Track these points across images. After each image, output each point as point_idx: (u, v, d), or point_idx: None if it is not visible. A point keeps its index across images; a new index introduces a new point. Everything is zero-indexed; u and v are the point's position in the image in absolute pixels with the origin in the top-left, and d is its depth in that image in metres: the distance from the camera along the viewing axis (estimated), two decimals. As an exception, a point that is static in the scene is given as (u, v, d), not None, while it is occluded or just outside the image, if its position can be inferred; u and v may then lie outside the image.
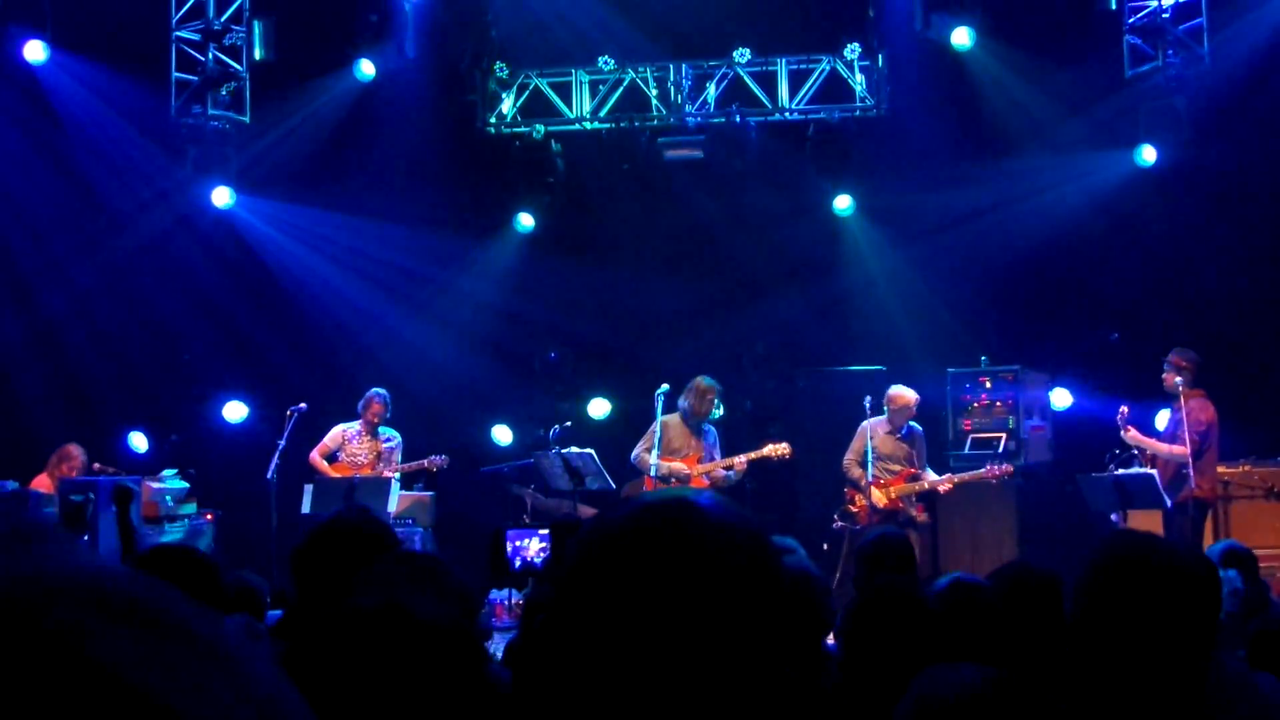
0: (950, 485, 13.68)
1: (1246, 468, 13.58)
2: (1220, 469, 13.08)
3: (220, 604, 4.17)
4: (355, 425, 14.24)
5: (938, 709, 2.72)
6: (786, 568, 5.03)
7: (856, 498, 13.62)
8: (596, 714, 1.67)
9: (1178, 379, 12.52)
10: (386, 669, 2.10)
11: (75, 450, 14.05)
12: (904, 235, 15.98)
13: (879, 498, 13.46)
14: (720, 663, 1.66)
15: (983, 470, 13.69)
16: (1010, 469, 13.76)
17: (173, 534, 13.43)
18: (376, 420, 14.19)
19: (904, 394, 13.68)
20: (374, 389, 14.24)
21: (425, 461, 14.19)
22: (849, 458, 13.74)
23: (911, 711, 2.76)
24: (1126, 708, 3.09)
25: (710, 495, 1.82)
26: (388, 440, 14.25)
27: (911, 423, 13.77)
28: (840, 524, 13.73)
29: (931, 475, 13.71)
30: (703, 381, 13.76)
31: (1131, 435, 12.70)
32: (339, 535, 4.34)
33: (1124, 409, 12.82)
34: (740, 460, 13.67)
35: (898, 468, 13.65)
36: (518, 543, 12.19)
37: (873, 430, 13.68)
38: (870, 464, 13.55)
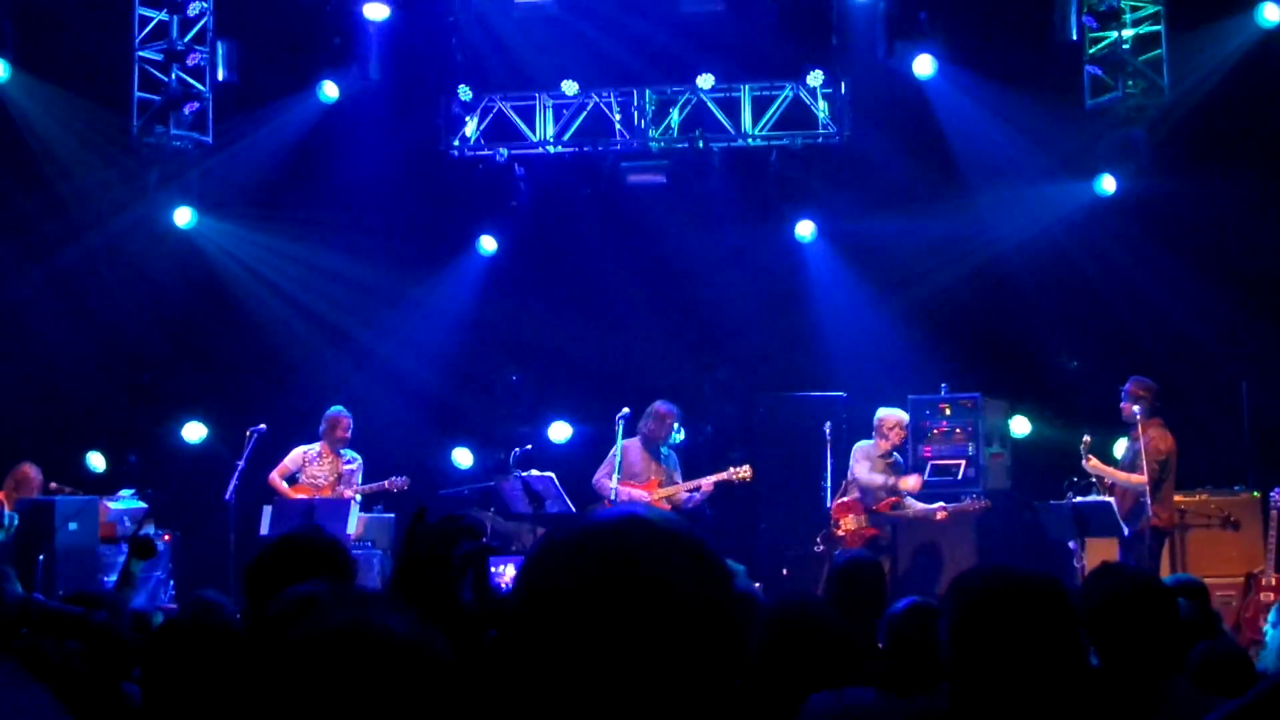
0: (945, 515, 13.64)
1: (1204, 497, 13.66)
2: (1178, 498, 13.14)
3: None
4: (316, 446, 14.16)
5: None
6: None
7: (844, 520, 13.59)
8: None
9: (1136, 408, 12.57)
10: (354, 689, 2.08)
11: (31, 471, 13.94)
12: (865, 261, 16.06)
13: (865, 523, 13.50)
14: (674, 672, 1.69)
15: (965, 503, 13.70)
16: (988, 504, 13.76)
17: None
18: (338, 442, 14.12)
19: (899, 416, 13.73)
20: (336, 410, 14.16)
21: (386, 482, 14.13)
22: (848, 480, 13.76)
23: None
24: None
25: (655, 510, 1.85)
26: (348, 462, 14.17)
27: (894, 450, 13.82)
28: (822, 547, 13.71)
29: (917, 504, 13.72)
30: (661, 406, 13.78)
31: (1092, 464, 12.76)
32: (291, 553, 4.33)
33: (1087, 438, 12.88)
34: (706, 482, 13.69)
35: (884, 494, 13.66)
36: (494, 568, 12.12)
37: (866, 453, 13.72)
38: (848, 487, 13.62)
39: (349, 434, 14.10)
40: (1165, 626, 4.47)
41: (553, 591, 1.74)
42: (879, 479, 13.64)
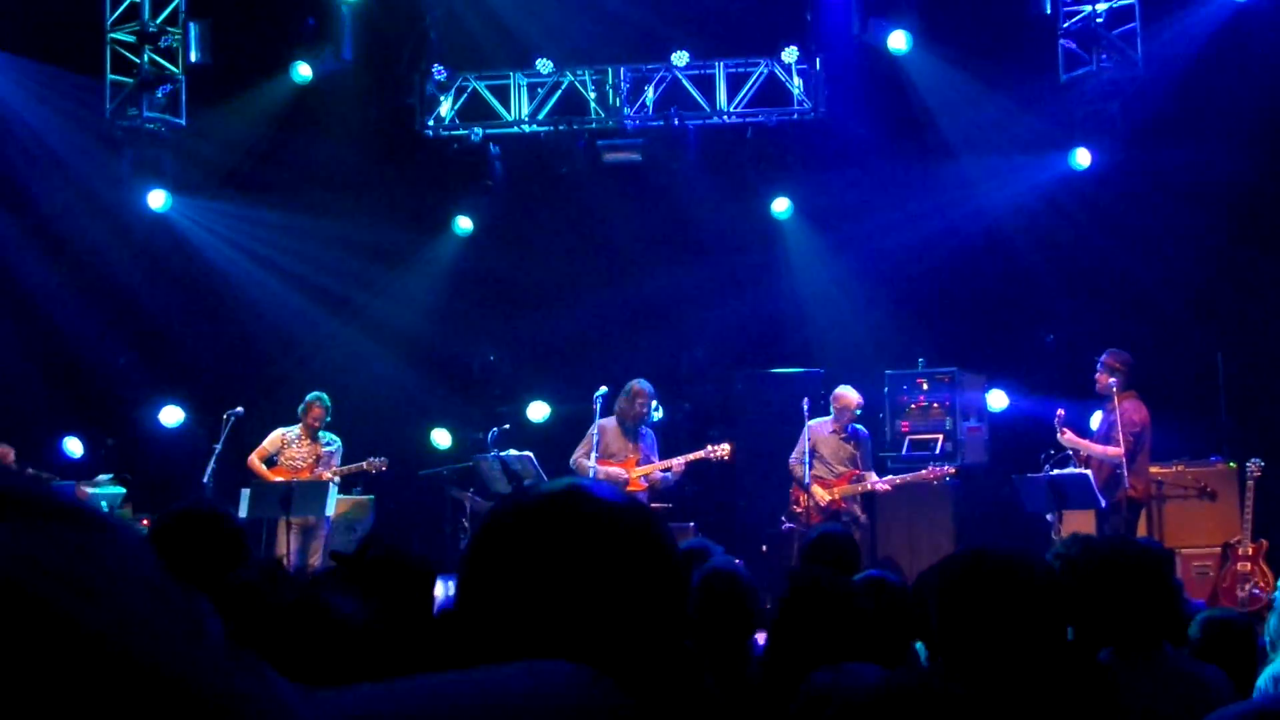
0: (889, 487, 13.76)
1: (1180, 468, 13.72)
2: (1154, 469, 13.20)
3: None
4: (295, 429, 14.13)
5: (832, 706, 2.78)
6: (714, 566, 5.06)
7: (801, 497, 13.65)
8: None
9: (1111, 380, 12.62)
10: (306, 666, 2.11)
11: (5, 449, 13.84)
12: (841, 237, 16.06)
13: (821, 496, 13.49)
14: (612, 624, 1.74)
15: (924, 471, 13.77)
16: (952, 470, 13.83)
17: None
18: (317, 425, 14.08)
19: (847, 394, 13.74)
20: (314, 393, 14.12)
21: (365, 463, 14.11)
22: (794, 456, 13.79)
23: (803, 710, 2.83)
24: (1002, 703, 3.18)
25: (599, 482, 1.93)
26: (328, 445, 14.14)
27: (857, 425, 13.82)
28: (788, 525, 13.77)
29: (874, 476, 13.76)
30: (637, 385, 13.77)
31: (1068, 437, 12.79)
32: (183, 527, 4.27)
33: (1061, 411, 12.92)
34: (678, 462, 13.69)
35: (842, 469, 13.69)
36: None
37: (817, 430, 13.74)
38: (812, 463, 13.61)
39: (319, 423, 14.07)
40: (1138, 595, 4.48)
41: (499, 561, 1.79)
42: (798, 470, 13.70)
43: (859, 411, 13.80)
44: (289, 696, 1.01)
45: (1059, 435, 12.79)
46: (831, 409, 13.77)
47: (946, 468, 13.82)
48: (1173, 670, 4.40)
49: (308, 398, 14.09)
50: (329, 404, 14.10)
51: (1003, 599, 3.22)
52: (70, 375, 16.19)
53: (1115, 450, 12.44)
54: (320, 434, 14.11)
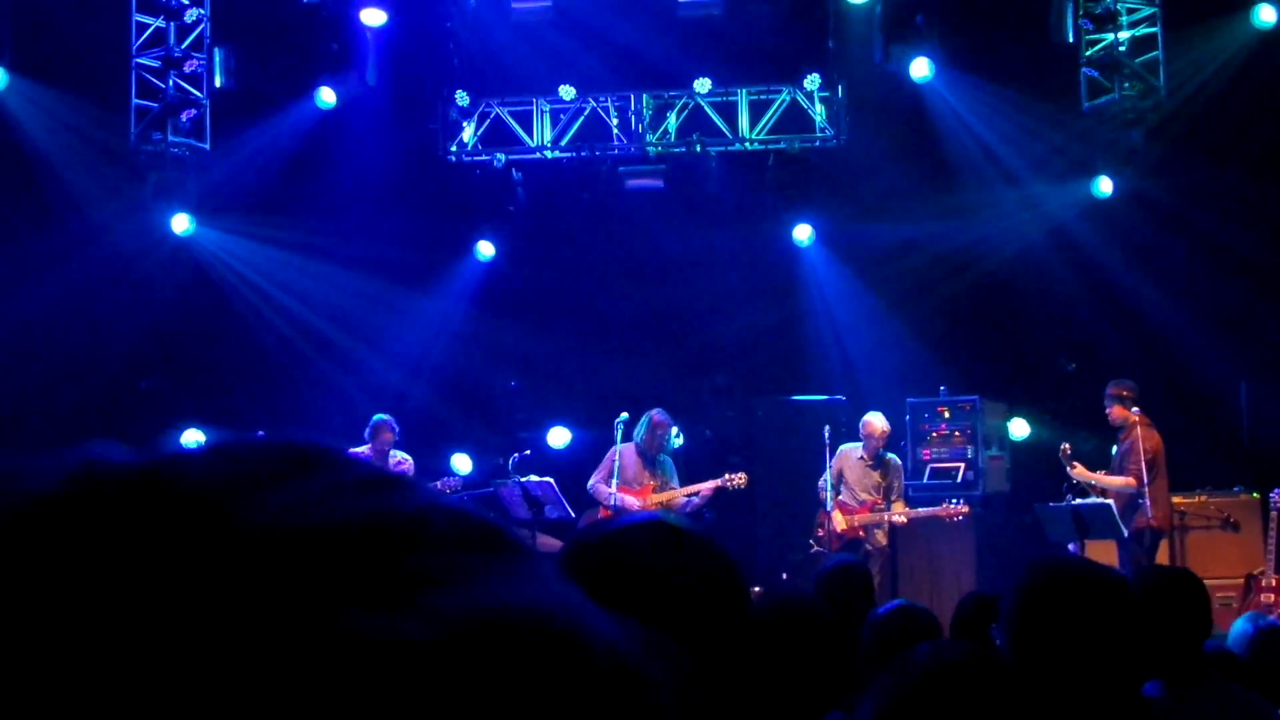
0: (904, 520, 13.68)
1: (1203, 498, 13.65)
2: (1176, 499, 13.14)
3: None
4: (364, 450, 13.91)
5: (912, 678, 2.77)
6: (792, 599, 5.09)
7: (825, 522, 13.63)
8: None
9: (1134, 409, 12.58)
10: None
11: None
12: (863, 265, 16.06)
13: (840, 522, 13.46)
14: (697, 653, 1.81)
15: (939, 508, 13.67)
16: (965, 509, 13.69)
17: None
18: (386, 448, 13.93)
19: (871, 421, 13.67)
20: (381, 415, 13.95)
21: (440, 483, 14.01)
22: (821, 480, 13.75)
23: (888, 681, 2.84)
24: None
25: (673, 514, 1.99)
26: (400, 463, 13.98)
27: (889, 453, 13.76)
28: (816, 549, 13.73)
29: (900, 507, 13.67)
30: (655, 415, 13.73)
31: (1078, 471, 12.72)
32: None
33: (1066, 446, 12.83)
34: (700, 489, 13.66)
35: (866, 496, 13.62)
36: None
37: (846, 456, 13.71)
38: (840, 489, 13.58)
39: (394, 441, 13.90)
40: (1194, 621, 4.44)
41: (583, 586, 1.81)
42: (823, 494, 13.70)
43: (885, 439, 13.73)
44: None
45: (1069, 469, 12.72)
46: (860, 435, 13.74)
47: (962, 506, 13.66)
48: (1226, 699, 4.35)
49: (374, 420, 13.89)
50: (396, 426, 13.93)
51: (1083, 608, 3.21)
52: (91, 399, 16.20)
53: (1130, 480, 12.40)
54: (390, 453, 13.95)
